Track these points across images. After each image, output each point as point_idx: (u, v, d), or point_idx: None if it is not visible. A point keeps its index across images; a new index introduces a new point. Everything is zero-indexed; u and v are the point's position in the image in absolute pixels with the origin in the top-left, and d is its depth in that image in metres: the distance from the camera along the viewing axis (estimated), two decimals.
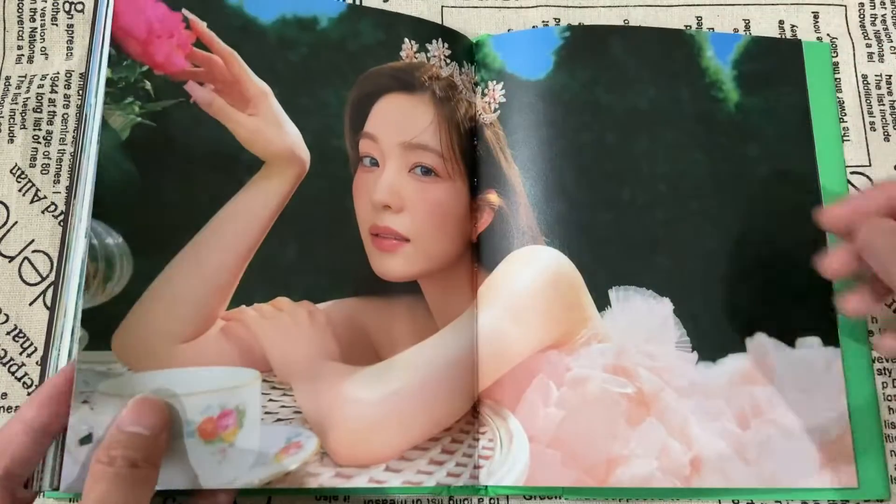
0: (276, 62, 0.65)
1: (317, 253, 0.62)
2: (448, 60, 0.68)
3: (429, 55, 0.68)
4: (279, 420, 0.59)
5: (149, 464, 0.50)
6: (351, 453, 0.58)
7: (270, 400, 0.59)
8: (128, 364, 0.56)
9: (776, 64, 0.70)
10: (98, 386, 0.54)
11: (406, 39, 0.68)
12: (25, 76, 0.70)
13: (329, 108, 0.65)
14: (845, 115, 0.71)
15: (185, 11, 0.62)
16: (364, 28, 0.67)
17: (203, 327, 0.59)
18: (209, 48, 0.63)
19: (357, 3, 0.74)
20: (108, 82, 0.59)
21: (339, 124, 0.65)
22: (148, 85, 0.61)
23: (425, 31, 0.69)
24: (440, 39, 0.68)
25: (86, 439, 0.53)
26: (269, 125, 0.63)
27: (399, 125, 0.65)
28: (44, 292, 0.65)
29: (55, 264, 0.65)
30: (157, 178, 0.60)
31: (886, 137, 0.71)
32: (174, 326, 0.58)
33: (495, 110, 0.68)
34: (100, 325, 0.56)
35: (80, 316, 0.55)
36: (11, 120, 0.68)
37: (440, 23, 0.73)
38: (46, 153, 0.68)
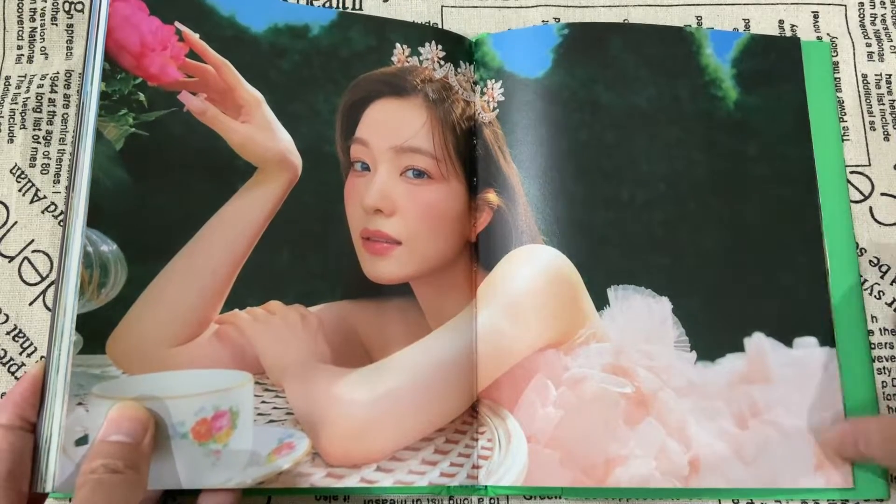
0: (269, 70, 0.65)
1: (308, 257, 0.63)
2: (442, 62, 0.68)
3: (421, 58, 0.68)
4: (272, 421, 0.59)
5: (131, 468, 0.50)
6: (342, 453, 0.58)
7: (263, 402, 0.60)
8: (122, 367, 0.57)
9: (775, 62, 0.70)
10: (92, 388, 0.55)
11: (397, 44, 0.68)
12: (25, 76, 0.71)
13: (321, 114, 0.65)
14: (845, 114, 0.71)
15: (177, 24, 0.63)
16: (355, 35, 0.68)
17: (197, 331, 0.60)
18: (202, 58, 0.64)
19: (356, 4, 0.74)
20: (103, 95, 0.60)
21: (331, 130, 0.66)
22: (142, 96, 0.61)
23: (417, 34, 0.69)
24: (433, 42, 0.68)
25: (81, 440, 0.54)
26: (261, 132, 0.63)
27: (390, 129, 0.65)
28: (44, 292, 0.66)
29: (55, 264, 0.65)
30: (150, 186, 0.61)
31: (886, 137, 0.71)
32: (168, 330, 0.59)
33: (494, 109, 0.68)
34: (94, 330, 0.57)
35: (74, 320, 0.56)
36: (11, 120, 0.69)
37: (440, 23, 0.73)
38: (46, 153, 0.68)
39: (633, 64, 0.69)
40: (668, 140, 0.68)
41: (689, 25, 0.74)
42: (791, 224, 0.67)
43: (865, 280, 0.67)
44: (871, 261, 0.68)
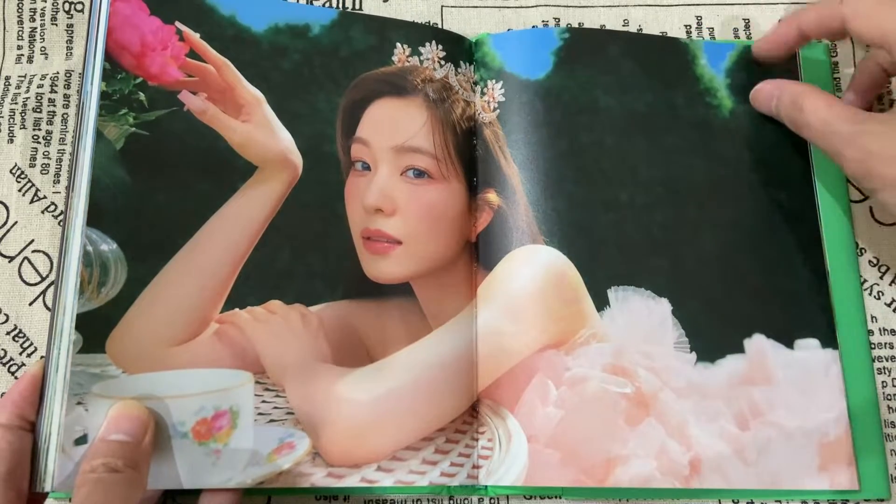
0: (269, 69, 0.65)
1: (309, 256, 0.63)
2: (442, 62, 0.68)
3: (422, 58, 0.68)
4: (272, 421, 0.59)
5: (131, 467, 0.50)
6: (343, 453, 0.59)
7: (263, 401, 0.59)
8: (122, 367, 0.56)
9: (770, 71, 0.70)
10: (92, 388, 0.54)
11: (398, 44, 0.68)
12: (25, 76, 0.71)
13: (321, 113, 0.65)
14: None
15: (178, 24, 0.63)
16: (355, 34, 0.68)
17: (197, 330, 0.60)
18: (202, 58, 0.63)
19: (357, 4, 0.74)
20: (103, 95, 0.60)
21: (332, 130, 0.66)
22: (142, 96, 0.61)
23: (417, 34, 0.69)
24: (433, 42, 0.68)
25: (81, 440, 0.54)
26: (262, 131, 0.63)
27: (391, 129, 0.65)
28: (44, 292, 0.66)
29: (55, 264, 0.65)
30: (151, 186, 0.60)
31: None
32: (168, 330, 0.59)
33: (494, 109, 0.68)
34: (94, 329, 0.56)
35: (74, 319, 0.55)
36: (11, 120, 0.69)
37: (440, 23, 0.74)
38: (46, 153, 0.68)
39: (632, 70, 0.69)
40: (666, 145, 0.68)
41: (690, 27, 0.74)
42: (789, 226, 0.67)
43: (865, 280, 0.67)
44: (870, 261, 0.68)
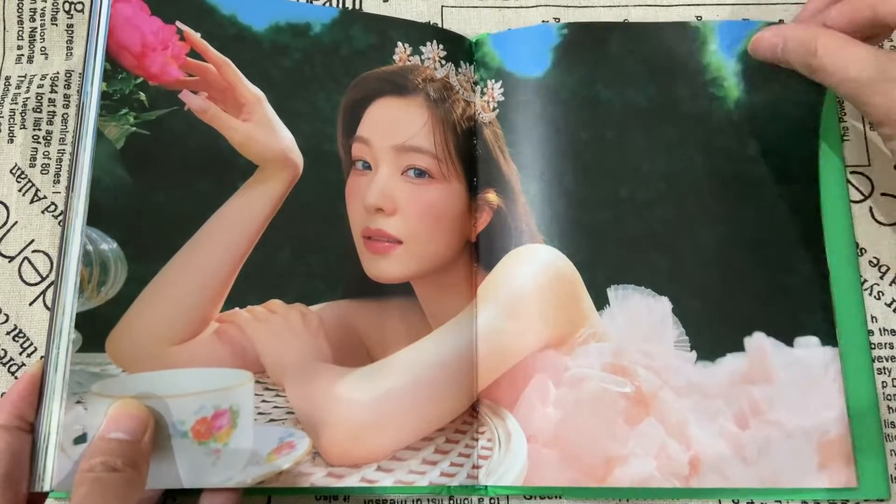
0: (270, 68, 0.65)
1: (310, 256, 0.63)
2: (443, 62, 0.68)
3: (422, 58, 0.68)
4: (272, 420, 0.59)
5: (130, 466, 0.50)
6: (343, 453, 0.58)
7: (263, 401, 0.59)
8: (122, 366, 0.56)
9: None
10: (91, 387, 0.54)
11: (399, 43, 0.68)
12: (25, 76, 0.71)
13: (322, 112, 0.66)
14: (845, 114, 0.71)
15: (179, 23, 0.63)
16: (356, 33, 0.68)
17: (197, 329, 0.60)
18: (203, 57, 0.64)
19: (357, 3, 0.74)
20: (104, 95, 0.60)
21: (333, 129, 0.66)
22: (142, 96, 0.61)
23: (418, 33, 0.69)
24: (434, 41, 0.68)
25: (80, 439, 0.54)
26: (262, 130, 0.63)
27: (391, 128, 0.65)
28: (44, 292, 0.66)
29: (55, 264, 0.65)
30: (151, 185, 0.60)
31: None
32: (168, 329, 0.59)
33: (494, 109, 0.68)
34: (94, 328, 0.56)
35: (74, 318, 0.55)
36: (11, 120, 0.69)
37: (440, 23, 0.74)
38: (46, 153, 0.68)
39: (633, 62, 0.69)
40: (667, 139, 0.68)
41: (698, 17, 0.74)
42: (791, 223, 0.66)
43: (865, 280, 0.67)
44: (870, 261, 0.68)
